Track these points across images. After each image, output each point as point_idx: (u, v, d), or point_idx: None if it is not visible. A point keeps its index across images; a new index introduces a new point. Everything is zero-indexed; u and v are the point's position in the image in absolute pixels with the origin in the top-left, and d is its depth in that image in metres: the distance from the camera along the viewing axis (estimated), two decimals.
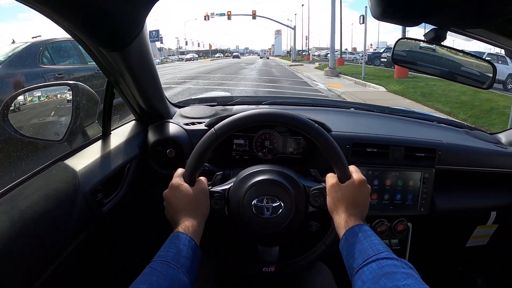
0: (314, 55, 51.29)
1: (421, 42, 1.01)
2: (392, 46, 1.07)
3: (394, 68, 15.53)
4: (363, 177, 0.93)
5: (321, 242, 1.02)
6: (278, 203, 0.97)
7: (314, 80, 15.54)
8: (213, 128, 0.96)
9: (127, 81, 1.08)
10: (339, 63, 19.31)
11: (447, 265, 1.88)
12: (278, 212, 0.97)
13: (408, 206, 1.38)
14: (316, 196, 0.99)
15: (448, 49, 1.00)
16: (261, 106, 1.69)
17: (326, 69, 18.22)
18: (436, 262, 1.85)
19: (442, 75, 1.06)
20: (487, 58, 1.06)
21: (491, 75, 1.03)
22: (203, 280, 1.11)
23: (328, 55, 22.47)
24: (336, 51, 25.01)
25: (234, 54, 66.33)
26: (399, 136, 1.41)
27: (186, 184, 0.92)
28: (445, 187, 1.45)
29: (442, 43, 0.85)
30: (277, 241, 1.06)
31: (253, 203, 0.96)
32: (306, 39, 78.34)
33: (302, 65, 30.00)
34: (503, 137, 1.69)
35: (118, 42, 0.85)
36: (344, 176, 0.94)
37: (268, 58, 59.06)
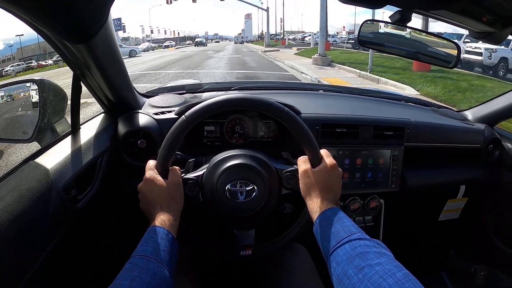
0: (290, 39, 51.44)
1: (387, 24, 1.15)
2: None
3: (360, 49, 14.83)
4: (334, 161, 1.04)
5: (296, 223, 1.14)
6: (252, 187, 1.07)
7: (302, 72, 13.86)
8: (184, 115, 1.05)
9: (93, 74, 1.16)
10: (325, 48, 17.58)
11: (421, 239, 2.09)
12: (252, 196, 1.07)
13: (379, 184, 1.54)
14: (289, 179, 1.11)
15: (415, 30, 1.14)
16: (230, 91, 1.80)
17: (315, 56, 16.49)
18: (410, 236, 2.05)
19: (409, 56, 1.20)
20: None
21: (455, 54, 1.18)
22: (181, 269, 1.20)
23: (306, 38, 21.17)
24: (316, 34, 24.59)
25: (196, 40, 63.94)
26: (368, 116, 1.57)
27: (159, 177, 1.01)
28: (414, 164, 1.62)
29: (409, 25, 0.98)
30: (253, 224, 1.16)
31: (226, 188, 1.07)
32: (281, 22, 78.72)
33: (278, 50, 29.75)
34: (469, 114, 1.91)
35: (82, 34, 0.90)
36: (315, 158, 1.05)
37: (242, 43, 64.33)
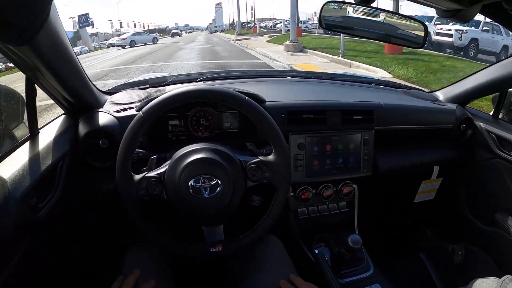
0: (261, 27, 51.55)
1: (356, 8, 1.10)
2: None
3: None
4: None
5: (265, 216, 1.11)
6: (215, 182, 1.04)
7: (274, 59, 13.80)
8: (140, 111, 1.02)
9: (45, 74, 1.09)
10: (297, 34, 17.78)
11: (397, 221, 2.12)
12: (217, 191, 1.04)
13: (351, 169, 1.53)
14: (254, 170, 1.08)
15: (380, 11, 1.09)
16: (195, 83, 1.74)
17: (287, 42, 16.50)
18: (386, 219, 2.07)
19: (379, 38, 1.17)
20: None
21: (423, 34, 1.14)
22: (156, 269, 1.17)
23: (278, 25, 21.18)
24: (287, 20, 24.56)
25: (172, 32, 65.44)
26: (335, 100, 1.55)
27: None
28: (386, 147, 1.60)
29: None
30: (220, 219, 1.14)
31: (189, 184, 1.03)
32: (252, 10, 78.55)
33: (250, 38, 29.70)
34: (440, 94, 1.91)
35: (22, 34, 0.84)
36: (277, 146, 1.05)
37: (216, 32, 68.32)
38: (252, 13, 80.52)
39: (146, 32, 44.63)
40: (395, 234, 2.13)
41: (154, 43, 35.77)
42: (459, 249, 1.84)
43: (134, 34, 36.84)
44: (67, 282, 1.35)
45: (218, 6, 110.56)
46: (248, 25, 66.87)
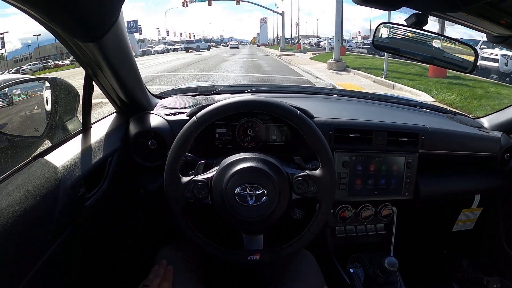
0: (305, 44, 51.54)
1: (403, 27, 1.12)
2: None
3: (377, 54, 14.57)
4: None
5: (306, 229, 1.13)
6: (262, 191, 1.07)
7: (317, 77, 13.61)
8: (194, 116, 1.06)
9: (105, 73, 1.16)
10: (341, 52, 17.08)
11: (433, 248, 2.06)
12: (262, 200, 1.07)
13: (392, 191, 1.51)
14: (300, 184, 1.10)
15: (430, 34, 1.12)
16: (243, 94, 1.79)
17: (330, 60, 16.22)
18: (422, 245, 2.02)
19: (425, 61, 1.19)
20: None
21: (471, 60, 1.16)
22: (187, 270, 1.22)
23: (321, 43, 20.97)
24: (331, 39, 24.49)
25: (231, 43, 63.43)
26: (382, 121, 1.54)
27: None
28: (429, 171, 1.59)
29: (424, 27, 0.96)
30: (261, 228, 1.15)
31: (236, 191, 1.06)
32: (296, 26, 78.86)
33: (293, 54, 29.55)
34: (485, 121, 1.87)
35: (93, 32, 0.89)
36: (326, 163, 1.07)
37: (266, 45, 69.69)
38: (296, 29, 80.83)
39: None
40: (430, 261, 2.10)
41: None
42: (494, 283, 1.81)
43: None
44: (102, 273, 1.40)
45: (263, 21, 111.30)
46: (292, 41, 67.03)
